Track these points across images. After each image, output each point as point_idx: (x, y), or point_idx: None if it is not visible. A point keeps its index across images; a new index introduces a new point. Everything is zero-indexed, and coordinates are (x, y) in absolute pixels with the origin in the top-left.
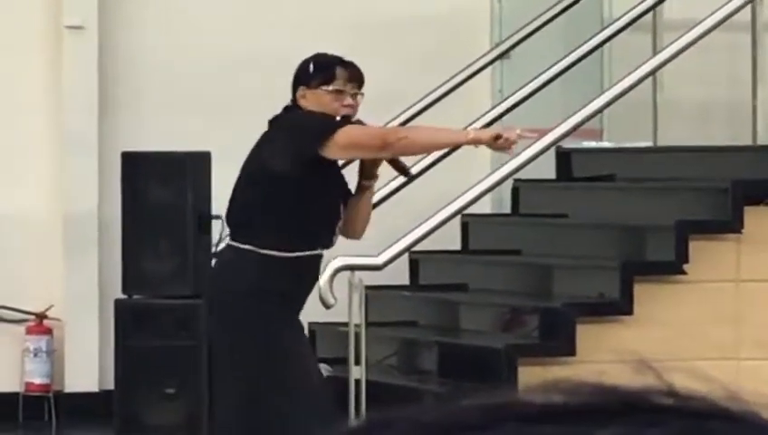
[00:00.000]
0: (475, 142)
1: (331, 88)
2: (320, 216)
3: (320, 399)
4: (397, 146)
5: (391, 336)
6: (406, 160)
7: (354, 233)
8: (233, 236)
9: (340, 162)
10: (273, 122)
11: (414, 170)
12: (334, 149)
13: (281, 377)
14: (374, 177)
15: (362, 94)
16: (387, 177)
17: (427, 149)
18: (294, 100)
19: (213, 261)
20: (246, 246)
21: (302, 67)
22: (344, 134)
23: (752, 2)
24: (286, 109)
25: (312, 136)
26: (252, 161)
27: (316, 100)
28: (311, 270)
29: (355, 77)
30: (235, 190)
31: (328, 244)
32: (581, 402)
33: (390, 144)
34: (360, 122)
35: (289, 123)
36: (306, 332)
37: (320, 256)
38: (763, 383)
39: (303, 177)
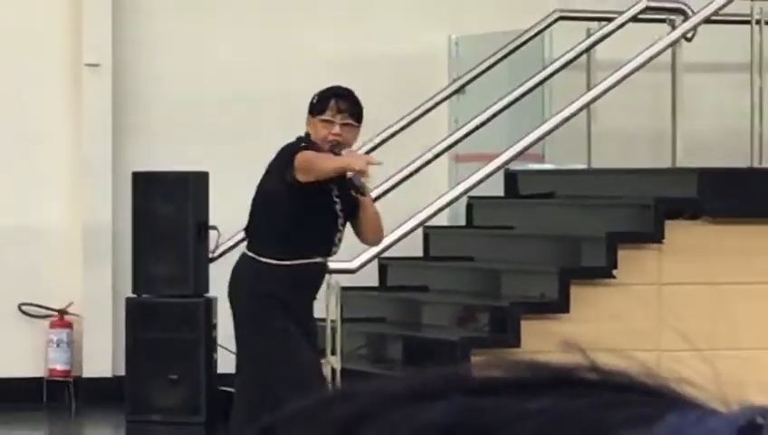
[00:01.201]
0: (349, 167)
1: (322, 118)
2: (312, 229)
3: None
4: (315, 170)
5: (363, 331)
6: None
7: (365, 240)
8: (247, 246)
9: (357, 183)
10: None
11: (381, 189)
12: (298, 171)
13: (273, 370)
14: (362, 191)
15: (354, 125)
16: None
17: (329, 173)
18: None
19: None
20: (251, 254)
21: (311, 98)
22: (299, 158)
23: (672, 46)
24: (299, 136)
25: (286, 161)
26: (260, 183)
27: (313, 127)
28: (308, 276)
29: (345, 109)
30: (250, 207)
31: (326, 253)
32: (517, 377)
33: (314, 168)
34: (321, 149)
35: (280, 150)
36: None
37: (319, 264)
38: (684, 369)
39: (292, 195)
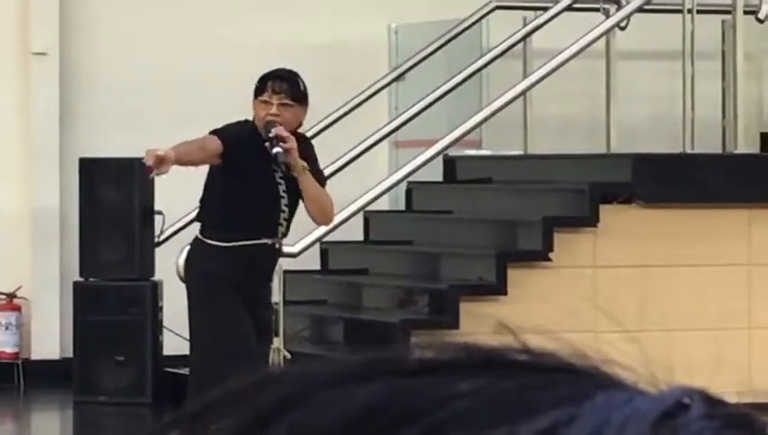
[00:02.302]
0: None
1: (261, 98)
2: (253, 210)
3: (251, 365)
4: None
5: (305, 313)
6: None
7: (312, 218)
8: (199, 228)
9: (281, 159)
10: None
11: (326, 173)
12: None
13: (216, 351)
14: (290, 168)
15: (292, 105)
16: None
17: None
18: None
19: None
20: (199, 236)
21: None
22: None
23: (606, 34)
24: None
25: None
26: None
27: (256, 108)
28: (255, 257)
29: (281, 90)
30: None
31: (272, 233)
32: (448, 359)
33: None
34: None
35: None
36: None
37: (266, 245)
38: (615, 351)
39: (222, 177)
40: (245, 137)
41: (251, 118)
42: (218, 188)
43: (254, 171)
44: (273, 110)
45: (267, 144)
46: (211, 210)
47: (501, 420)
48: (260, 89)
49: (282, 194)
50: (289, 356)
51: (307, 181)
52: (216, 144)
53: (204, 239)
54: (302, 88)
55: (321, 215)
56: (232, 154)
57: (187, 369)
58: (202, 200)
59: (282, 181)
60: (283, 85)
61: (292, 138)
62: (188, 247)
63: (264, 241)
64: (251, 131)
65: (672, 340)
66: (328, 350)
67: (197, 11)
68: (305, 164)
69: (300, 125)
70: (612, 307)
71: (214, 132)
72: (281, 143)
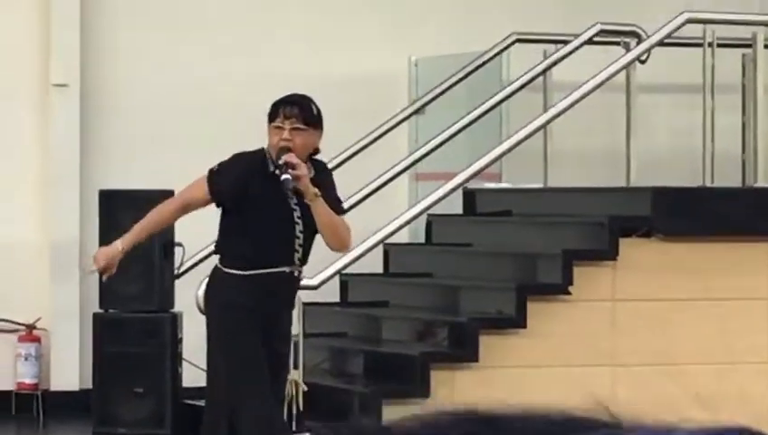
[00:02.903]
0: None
1: (273, 125)
2: (266, 238)
3: (265, 401)
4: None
5: (324, 345)
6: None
7: (329, 245)
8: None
9: (289, 186)
10: None
11: (346, 205)
12: None
13: (234, 378)
14: (302, 195)
15: (304, 129)
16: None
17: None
18: None
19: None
20: (218, 264)
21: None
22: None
23: (626, 67)
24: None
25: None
26: None
27: (270, 134)
28: (273, 285)
29: (292, 114)
30: None
31: (288, 262)
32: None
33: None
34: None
35: None
36: None
37: (283, 274)
38: (635, 385)
39: (232, 210)
40: (248, 169)
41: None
42: (231, 220)
43: (265, 200)
44: (285, 135)
45: (277, 171)
46: (226, 241)
47: None
48: (272, 114)
49: (296, 220)
50: (306, 389)
51: (319, 207)
52: (199, 194)
53: (223, 268)
54: (314, 112)
55: (336, 241)
56: (228, 196)
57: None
58: (219, 229)
59: (296, 208)
60: (294, 110)
61: (303, 165)
62: (208, 277)
63: (283, 269)
64: (259, 160)
65: (692, 374)
66: (347, 383)
67: (218, 43)
68: (317, 191)
69: (316, 151)
70: (632, 341)
71: (210, 175)
72: (290, 170)
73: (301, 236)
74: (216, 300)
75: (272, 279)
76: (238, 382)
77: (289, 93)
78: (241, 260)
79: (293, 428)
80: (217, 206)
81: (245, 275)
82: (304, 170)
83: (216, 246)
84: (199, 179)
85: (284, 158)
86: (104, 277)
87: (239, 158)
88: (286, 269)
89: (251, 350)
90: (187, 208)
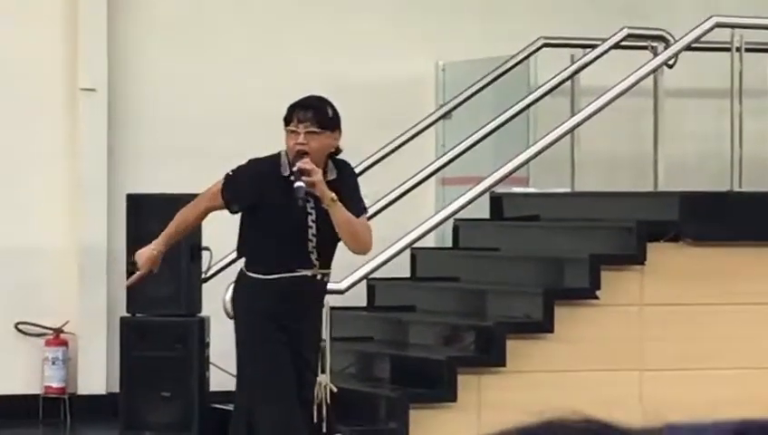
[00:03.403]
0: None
1: (288, 129)
2: (277, 242)
3: (284, 407)
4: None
5: (352, 349)
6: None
7: (348, 247)
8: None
9: (300, 194)
10: None
11: (370, 211)
12: None
13: (254, 382)
14: (320, 199)
15: (318, 132)
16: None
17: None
18: None
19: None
20: (243, 268)
21: None
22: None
23: (654, 72)
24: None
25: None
26: None
27: (287, 138)
28: (295, 290)
29: (306, 118)
30: None
31: (307, 265)
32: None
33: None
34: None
35: None
36: None
37: (306, 277)
38: (663, 389)
39: (248, 214)
40: (264, 174)
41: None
42: (248, 224)
43: (280, 203)
44: (300, 138)
45: (291, 177)
46: (246, 245)
47: None
48: (287, 118)
49: (310, 224)
50: (335, 390)
51: (337, 212)
52: (215, 201)
53: (247, 273)
54: (329, 114)
55: (355, 243)
56: (243, 202)
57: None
58: (241, 237)
59: (312, 211)
60: (308, 114)
61: (318, 170)
62: (234, 281)
63: (303, 273)
64: (275, 164)
65: (720, 379)
66: (374, 387)
67: (244, 48)
68: (333, 196)
69: (338, 151)
70: (659, 346)
71: (225, 182)
72: (303, 177)
73: (314, 239)
74: (240, 304)
75: (292, 283)
76: (257, 386)
77: (305, 96)
78: (260, 264)
79: (324, 430)
80: (231, 212)
81: (266, 279)
82: (319, 176)
83: (237, 250)
84: (215, 185)
85: (298, 165)
86: (143, 278)
87: (255, 163)
88: (307, 273)
89: (272, 354)
90: (207, 213)
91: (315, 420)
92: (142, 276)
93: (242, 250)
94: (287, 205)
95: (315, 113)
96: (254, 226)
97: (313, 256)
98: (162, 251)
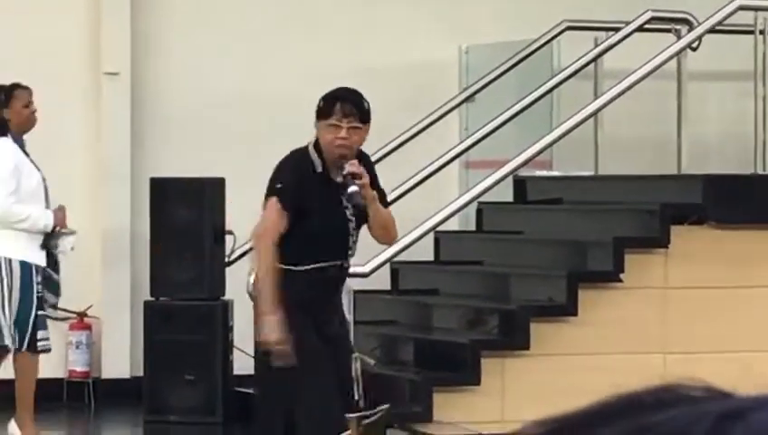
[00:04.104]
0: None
1: (328, 122)
2: (320, 241)
3: (326, 395)
4: (256, 246)
5: (376, 332)
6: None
7: (378, 240)
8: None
9: (357, 199)
10: None
11: (394, 195)
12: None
13: (295, 371)
14: (366, 205)
15: (360, 127)
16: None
17: (258, 269)
18: None
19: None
20: (279, 265)
21: (318, 102)
22: (265, 210)
23: (678, 55)
24: (312, 142)
25: (270, 186)
26: None
27: (323, 131)
28: (329, 278)
29: (351, 112)
30: None
31: (343, 257)
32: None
33: (256, 244)
34: (332, 155)
35: (275, 168)
36: None
37: (336, 265)
38: (687, 372)
39: (292, 216)
40: (304, 175)
41: (305, 143)
42: (291, 224)
43: (320, 200)
44: (343, 133)
45: (340, 179)
46: (290, 242)
47: None
48: (326, 111)
49: (349, 218)
50: (373, 362)
51: (378, 210)
52: (282, 223)
53: (283, 266)
54: (367, 108)
55: (386, 237)
56: (297, 207)
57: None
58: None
59: (348, 206)
60: (353, 108)
61: (365, 173)
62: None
63: (339, 262)
64: (308, 162)
65: (746, 361)
66: (398, 370)
67: (268, 32)
68: (375, 193)
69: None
70: (684, 329)
71: (279, 196)
72: (356, 181)
73: (354, 233)
74: (284, 298)
75: (328, 273)
76: (298, 375)
77: (337, 88)
78: (300, 257)
79: (362, 404)
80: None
81: (304, 270)
82: (367, 178)
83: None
84: (273, 206)
85: (349, 169)
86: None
87: (292, 166)
88: (342, 263)
89: (312, 345)
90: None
91: (356, 397)
92: (285, 351)
93: (282, 245)
94: (328, 202)
95: (358, 108)
96: (299, 224)
97: (351, 250)
98: (278, 315)
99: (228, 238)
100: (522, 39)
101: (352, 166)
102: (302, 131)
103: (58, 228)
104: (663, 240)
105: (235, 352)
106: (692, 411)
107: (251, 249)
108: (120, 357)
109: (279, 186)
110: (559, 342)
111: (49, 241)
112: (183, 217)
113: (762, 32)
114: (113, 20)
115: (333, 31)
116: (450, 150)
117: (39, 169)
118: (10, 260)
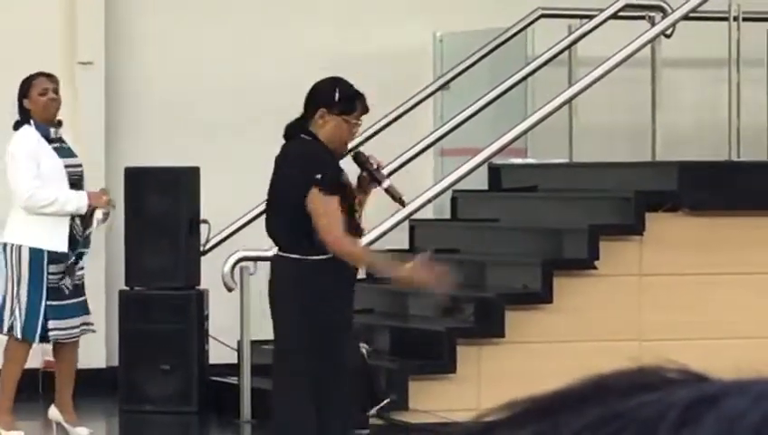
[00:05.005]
0: None
1: (351, 119)
2: (345, 223)
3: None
4: (338, 251)
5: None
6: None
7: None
8: (282, 248)
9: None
10: (288, 150)
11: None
12: (309, 202)
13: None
14: (367, 197)
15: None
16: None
17: (350, 257)
18: (307, 116)
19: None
20: (293, 256)
21: (326, 91)
22: (319, 206)
23: (652, 42)
24: (293, 127)
25: (304, 182)
26: (281, 183)
27: (335, 126)
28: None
29: (367, 111)
30: (270, 209)
31: (361, 234)
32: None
33: (334, 247)
34: (339, 150)
35: (302, 158)
36: None
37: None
38: (661, 359)
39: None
40: (333, 161)
41: (308, 135)
42: (308, 215)
43: (341, 186)
44: (357, 130)
45: (368, 173)
46: (307, 229)
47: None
48: (347, 107)
49: (356, 207)
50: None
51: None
52: (340, 208)
53: (301, 256)
54: None
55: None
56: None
57: (234, 378)
58: (289, 218)
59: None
60: (367, 106)
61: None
62: (277, 268)
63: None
64: (329, 153)
65: (719, 348)
66: (375, 359)
67: (241, 21)
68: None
69: None
70: (658, 316)
71: (327, 186)
72: (382, 171)
73: (359, 209)
74: (309, 288)
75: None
76: (325, 374)
77: (347, 83)
78: (314, 246)
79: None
80: None
81: (330, 258)
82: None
83: (288, 234)
84: (326, 198)
85: (375, 161)
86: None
87: (326, 157)
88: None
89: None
90: None
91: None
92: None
93: (300, 233)
94: (343, 186)
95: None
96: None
97: (360, 228)
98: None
99: (203, 227)
100: (496, 27)
101: (376, 158)
102: (273, 120)
103: (95, 210)
104: (638, 227)
105: (211, 341)
106: (664, 397)
107: (226, 238)
108: (96, 347)
109: (319, 176)
110: (534, 329)
111: (83, 224)
112: (158, 206)
113: (735, 18)
114: (88, 10)
115: (307, 19)
116: (425, 138)
117: (74, 156)
118: (20, 247)
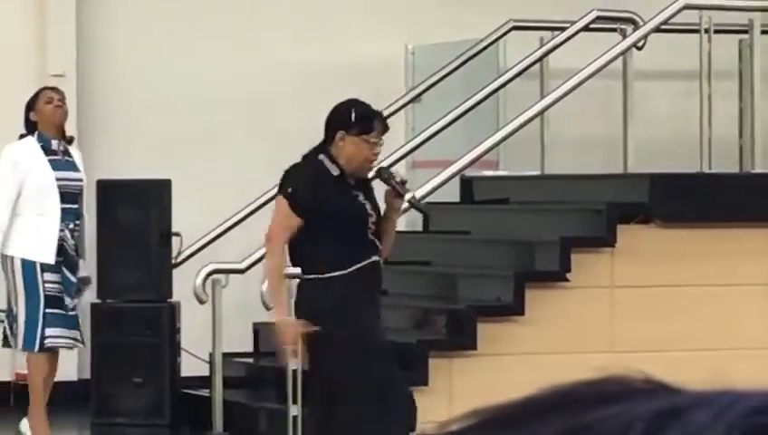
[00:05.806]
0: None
1: (370, 139)
2: (350, 239)
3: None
4: (269, 248)
5: None
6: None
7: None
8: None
9: (352, 180)
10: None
11: None
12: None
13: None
14: (393, 211)
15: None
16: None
17: (267, 274)
18: (328, 140)
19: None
20: (312, 276)
21: (342, 113)
22: (275, 212)
23: (623, 54)
24: (316, 149)
25: (282, 188)
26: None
27: (354, 146)
28: (370, 276)
29: (387, 129)
30: None
31: (374, 252)
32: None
33: (269, 245)
34: (361, 169)
35: (285, 173)
36: (251, 331)
37: (376, 262)
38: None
39: (313, 221)
40: (314, 178)
41: (308, 153)
42: (314, 230)
43: (337, 203)
44: (377, 150)
45: (391, 188)
46: (315, 249)
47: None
48: (365, 127)
49: (370, 213)
50: None
51: (396, 217)
52: (292, 226)
53: (319, 276)
54: None
55: (387, 248)
56: (308, 209)
57: (206, 390)
58: (299, 248)
59: (366, 202)
60: (385, 125)
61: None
62: (303, 293)
63: (375, 258)
64: (323, 169)
65: (691, 360)
66: None
67: (214, 34)
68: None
69: None
70: (630, 328)
71: (292, 198)
72: (405, 185)
73: (373, 227)
74: (327, 307)
75: (366, 270)
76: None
77: (363, 103)
78: (337, 262)
79: None
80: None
81: (347, 273)
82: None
83: (301, 258)
84: (281, 214)
85: (399, 176)
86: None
87: (303, 171)
88: (376, 258)
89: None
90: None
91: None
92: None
93: (307, 255)
94: (344, 202)
95: (385, 125)
96: (319, 228)
97: (376, 242)
98: (288, 316)
99: (175, 240)
100: (468, 39)
101: (399, 173)
102: (246, 132)
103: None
104: (609, 239)
105: (183, 353)
106: (629, 409)
107: (198, 250)
108: (68, 359)
109: (290, 189)
110: (506, 341)
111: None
112: (129, 218)
113: (707, 31)
114: (59, 22)
115: (279, 32)
116: (397, 151)
117: (77, 170)
118: (12, 258)
